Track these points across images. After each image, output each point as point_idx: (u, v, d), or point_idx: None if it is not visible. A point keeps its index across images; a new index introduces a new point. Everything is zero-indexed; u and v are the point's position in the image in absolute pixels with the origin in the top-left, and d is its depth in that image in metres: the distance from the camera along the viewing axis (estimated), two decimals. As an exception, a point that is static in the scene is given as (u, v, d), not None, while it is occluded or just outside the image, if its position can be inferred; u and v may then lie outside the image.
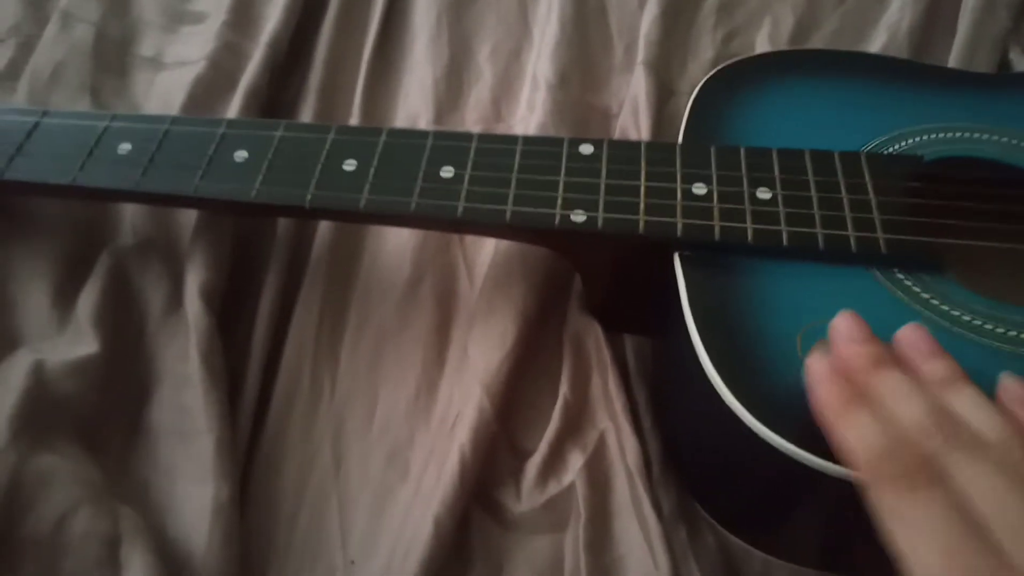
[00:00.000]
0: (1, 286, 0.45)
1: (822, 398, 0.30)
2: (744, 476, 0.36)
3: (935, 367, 0.30)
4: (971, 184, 0.40)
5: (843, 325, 0.32)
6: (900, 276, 0.36)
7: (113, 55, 0.59)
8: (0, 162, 0.43)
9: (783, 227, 0.37)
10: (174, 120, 0.44)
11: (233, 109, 0.53)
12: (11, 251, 0.47)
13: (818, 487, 0.31)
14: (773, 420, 0.31)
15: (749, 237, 0.37)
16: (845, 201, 0.38)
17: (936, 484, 0.25)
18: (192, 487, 0.38)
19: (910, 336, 0.31)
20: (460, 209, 0.39)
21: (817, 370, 0.31)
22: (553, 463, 0.40)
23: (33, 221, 0.49)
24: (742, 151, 0.40)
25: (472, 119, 0.56)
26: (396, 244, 0.49)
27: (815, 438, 0.30)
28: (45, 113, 0.45)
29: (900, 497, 0.26)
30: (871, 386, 0.29)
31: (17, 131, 0.44)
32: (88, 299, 0.44)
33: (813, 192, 0.39)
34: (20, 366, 0.40)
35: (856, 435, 0.28)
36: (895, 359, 0.30)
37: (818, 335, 0.33)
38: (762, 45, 0.60)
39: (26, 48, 0.58)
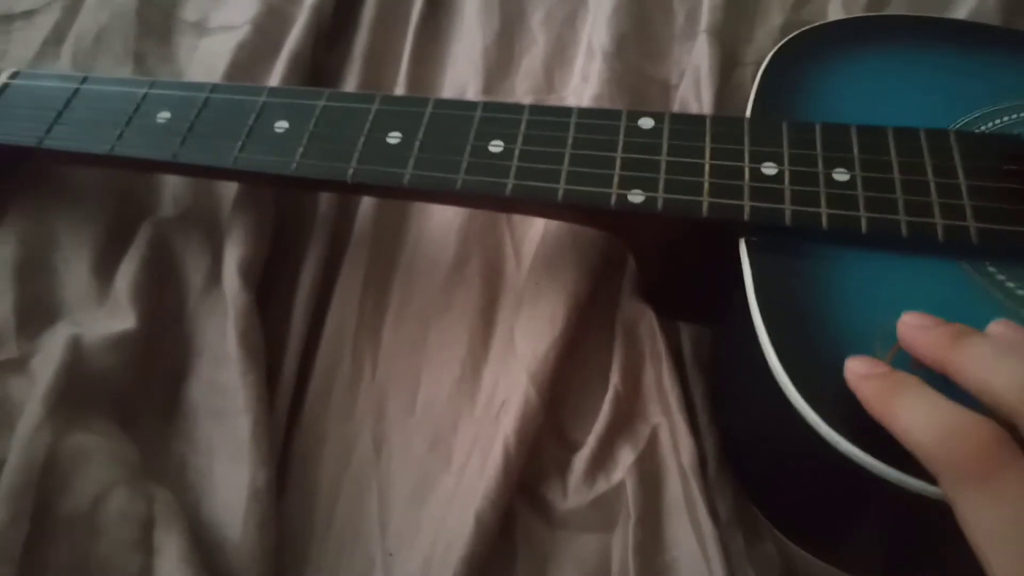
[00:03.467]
0: (43, 256, 0.45)
1: (868, 398, 0.27)
2: (808, 481, 0.34)
3: None
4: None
5: (911, 317, 0.29)
6: (992, 270, 0.33)
7: (157, 19, 0.57)
8: (39, 130, 0.42)
9: (862, 212, 0.34)
10: (214, 88, 0.43)
11: (276, 75, 0.51)
12: (52, 220, 0.46)
13: (888, 497, 0.29)
14: (841, 422, 0.29)
15: (824, 223, 0.34)
16: (932, 185, 0.35)
17: (1019, 465, 0.22)
18: (229, 469, 0.37)
19: (1003, 330, 0.28)
20: (509, 187, 0.37)
21: (855, 371, 0.28)
22: (602, 458, 0.38)
23: (75, 190, 0.48)
24: (817, 128, 0.37)
25: (523, 89, 0.53)
26: (441, 221, 0.47)
27: (890, 444, 0.27)
28: (85, 79, 0.44)
29: (972, 490, 0.23)
30: (954, 359, 0.26)
31: (57, 98, 0.43)
32: (127, 272, 0.43)
33: (896, 174, 0.35)
34: (59, 340, 0.39)
35: (910, 422, 0.25)
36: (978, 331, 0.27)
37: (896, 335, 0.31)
38: (835, 11, 0.55)
39: (71, 12, 0.57)
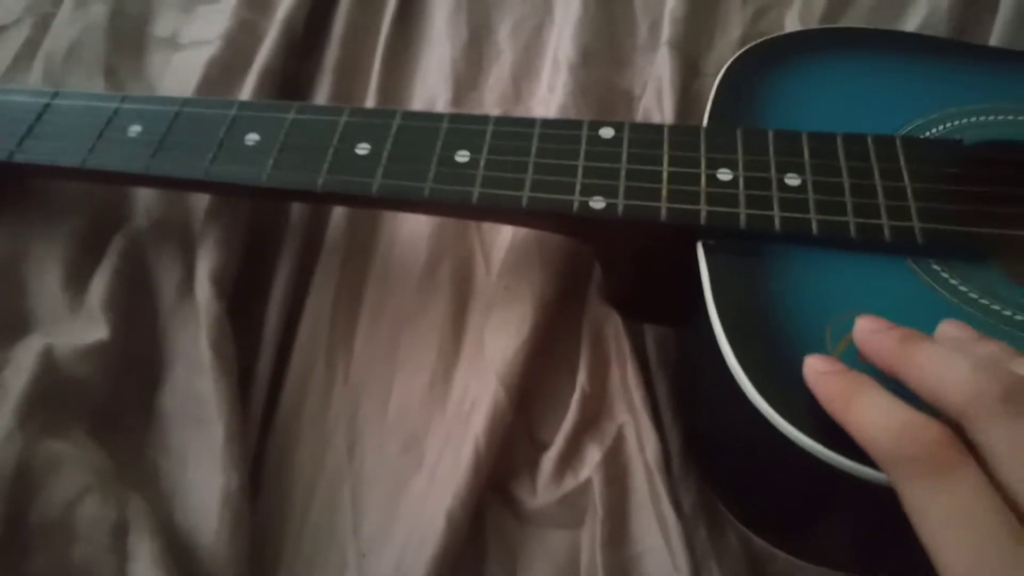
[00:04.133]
0: (13, 268, 0.45)
1: (825, 395, 0.28)
2: (768, 474, 0.35)
3: (986, 348, 0.28)
4: (1015, 169, 0.38)
5: (865, 321, 0.30)
6: (936, 268, 0.34)
7: (129, 35, 0.58)
8: (10, 144, 0.42)
9: (812, 215, 0.36)
10: (185, 102, 0.43)
11: (248, 89, 0.52)
12: (24, 233, 0.46)
13: (846, 488, 0.30)
14: (799, 417, 0.30)
15: (776, 225, 0.35)
16: (879, 188, 0.36)
17: (965, 463, 0.23)
18: (202, 474, 0.38)
19: (951, 330, 0.29)
20: (475, 195, 0.38)
21: (814, 367, 0.29)
22: (570, 457, 0.39)
23: (46, 203, 0.48)
24: (770, 134, 0.39)
25: (492, 100, 0.55)
26: (412, 229, 0.48)
27: (844, 437, 0.28)
28: (56, 94, 0.44)
29: (926, 484, 0.24)
30: (904, 361, 0.27)
31: (28, 112, 0.43)
32: (100, 283, 0.44)
33: (845, 178, 0.37)
34: (30, 351, 0.39)
35: (866, 419, 0.26)
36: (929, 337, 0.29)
37: (848, 327, 0.32)
38: (792, 23, 0.57)
39: (41, 27, 0.57)
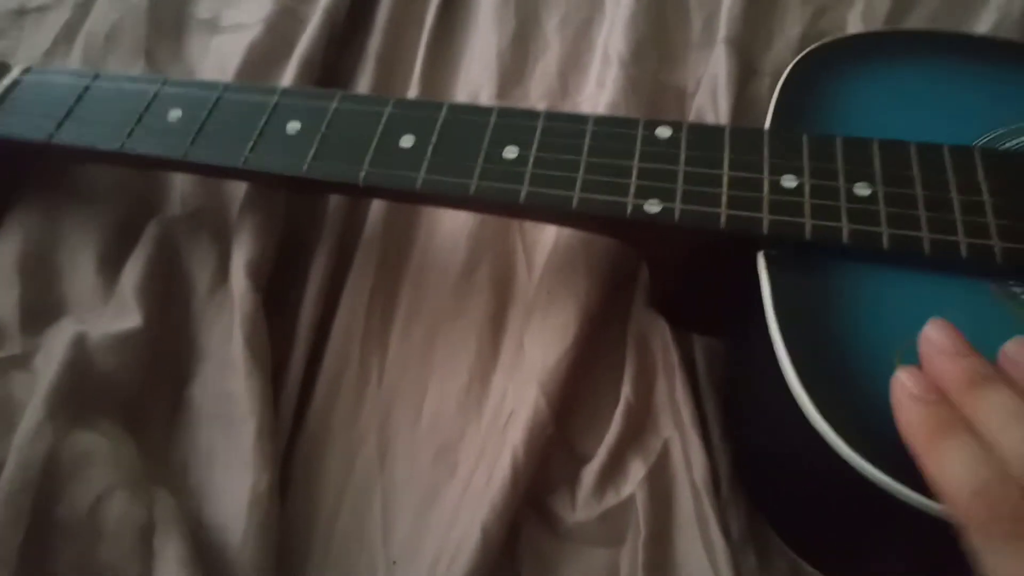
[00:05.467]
0: (48, 251, 0.44)
1: (910, 422, 0.26)
2: (825, 501, 0.33)
3: None
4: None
5: (936, 335, 0.28)
6: (1017, 290, 0.32)
7: (169, 17, 0.57)
8: (49, 126, 0.41)
9: (884, 228, 0.33)
10: (227, 87, 0.42)
11: (289, 76, 0.50)
12: (59, 217, 0.46)
13: (909, 520, 0.28)
14: (862, 444, 0.28)
15: (845, 237, 0.33)
16: (955, 202, 0.34)
17: None
18: (231, 474, 0.37)
19: (1016, 353, 0.27)
20: (523, 193, 0.36)
21: (904, 388, 0.27)
22: (612, 472, 0.38)
23: (82, 186, 0.47)
24: (838, 141, 0.36)
25: (537, 93, 0.53)
26: (452, 226, 0.46)
27: (909, 466, 0.26)
28: (96, 76, 0.44)
29: (998, 545, 0.23)
30: (969, 407, 0.26)
31: (68, 95, 0.43)
32: (133, 270, 0.43)
33: (919, 190, 0.34)
34: (62, 337, 0.38)
35: (950, 469, 0.24)
36: (1000, 377, 0.26)
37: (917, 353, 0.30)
38: (855, 23, 0.55)
39: (83, 8, 0.57)
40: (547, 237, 0.45)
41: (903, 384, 0.27)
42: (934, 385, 0.27)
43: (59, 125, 0.41)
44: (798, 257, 0.34)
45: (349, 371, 0.42)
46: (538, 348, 0.40)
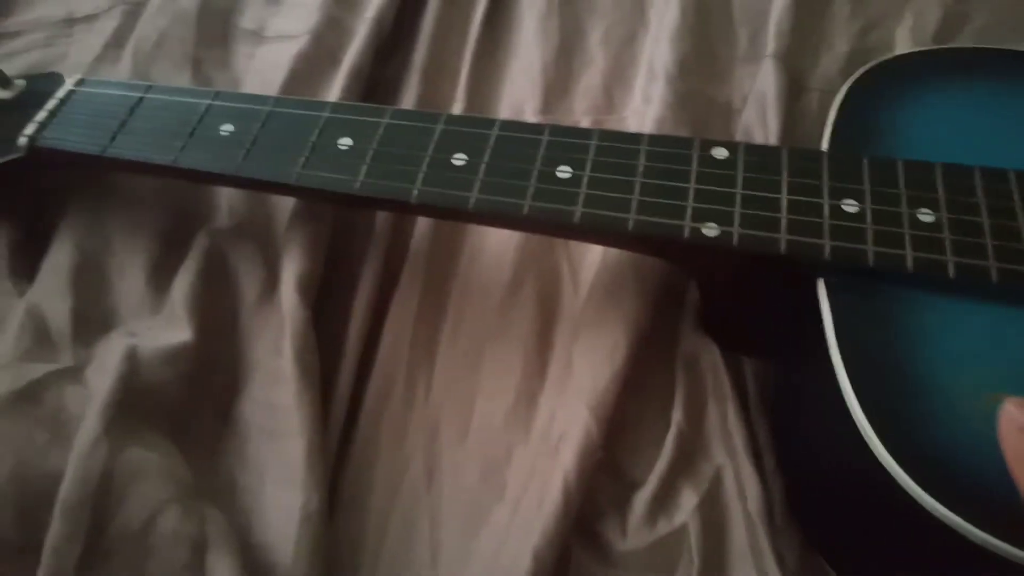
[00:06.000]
0: (97, 263, 0.45)
1: (1021, 454, 0.26)
2: (884, 536, 0.32)
3: None
4: None
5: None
6: (1088, 323, 0.31)
7: (216, 26, 0.57)
8: (103, 139, 0.42)
9: (949, 256, 0.33)
10: (277, 101, 0.42)
11: (335, 88, 0.50)
12: (110, 226, 0.46)
13: (980, 562, 0.27)
14: (931, 481, 0.28)
15: (909, 265, 0.33)
16: (1023, 230, 0.33)
17: None
18: (281, 491, 0.37)
19: None
20: (578, 215, 0.36)
21: (1017, 420, 0.27)
22: (664, 499, 0.37)
23: (131, 198, 0.48)
24: (899, 164, 0.36)
25: (582, 108, 0.53)
26: (497, 242, 0.46)
27: (983, 507, 0.26)
28: (149, 88, 0.44)
29: None
30: None
31: (121, 107, 0.43)
32: (183, 282, 0.43)
33: (985, 217, 0.34)
34: (115, 350, 0.39)
35: None
36: None
37: (986, 387, 0.29)
38: (903, 39, 0.54)
39: (131, 17, 0.57)
40: (594, 255, 0.45)
41: (1012, 415, 0.27)
42: None
43: (113, 138, 0.42)
44: (860, 284, 0.33)
45: (396, 388, 0.41)
46: (587, 369, 0.40)
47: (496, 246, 0.46)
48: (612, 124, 0.52)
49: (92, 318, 0.42)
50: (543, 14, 0.56)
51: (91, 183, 0.47)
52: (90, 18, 0.57)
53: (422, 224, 0.47)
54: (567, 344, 0.42)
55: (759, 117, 0.49)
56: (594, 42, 0.56)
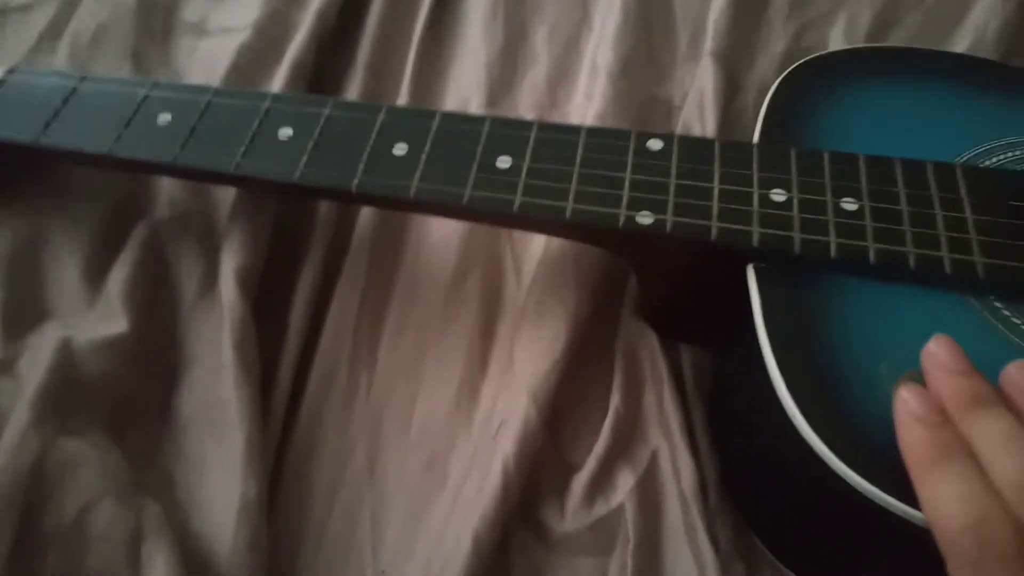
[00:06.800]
0: (32, 255, 0.44)
1: (911, 443, 0.27)
2: (813, 512, 0.34)
3: None
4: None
5: (940, 351, 0.28)
6: (998, 305, 0.33)
7: (156, 19, 0.57)
8: (36, 127, 0.41)
9: (870, 243, 0.34)
10: (217, 92, 0.42)
11: (278, 82, 0.50)
12: (44, 219, 0.45)
13: (897, 531, 0.28)
14: (852, 456, 0.29)
15: (832, 252, 0.34)
16: (939, 218, 0.35)
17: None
18: (219, 483, 0.36)
19: (1018, 377, 0.28)
20: (517, 203, 0.36)
21: (909, 407, 0.27)
22: (601, 481, 0.38)
23: (68, 188, 0.47)
24: (826, 156, 0.37)
25: (526, 104, 0.53)
26: (441, 234, 0.46)
27: (900, 479, 0.27)
28: (84, 78, 0.43)
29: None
30: (968, 428, 0.26)
31: (55, 95, 0.42)
32: (120, 274, 0.42)
33: (904, 206, 0.35)
34: (47, 342, 0.38)
35: (944, 499, 0.24)
36: (1001, 401, 0.27)
37: (905, 364, 0.30)
38: (836, 41, 0.56)
39: (68, 8, 0.56)
40: (536, 247, 0.46)
41: (906, 402, 0.27)
42: (937, 405, 0.27)
43: (46, 126, 0.41)
44: (787, 270, 0.34)
45: (338, 380, 0.41)
46: (528, 358, 0.40)
47: (440, 238, 0.47)
48: (555, 119, 0.52)
49: (25, 311, 0.41)
50: (488, 13, 0.56)
51: (27, 174, 0.46)
52: (24, 8, 0.56)
53: (365, 216, 0.47)
54: (509, 335, 0.43)
55: (698, 114, 0.51)
56: (539, 41, 0.56)
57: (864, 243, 0.34)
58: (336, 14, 0.55)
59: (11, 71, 0.44)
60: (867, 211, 0.35)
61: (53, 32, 0.55)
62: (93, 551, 0.33)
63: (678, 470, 0.37)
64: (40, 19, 0.55)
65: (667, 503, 0.37)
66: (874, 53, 0.47)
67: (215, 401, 0.38)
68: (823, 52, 0.45)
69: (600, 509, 0.37)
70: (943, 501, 0.24)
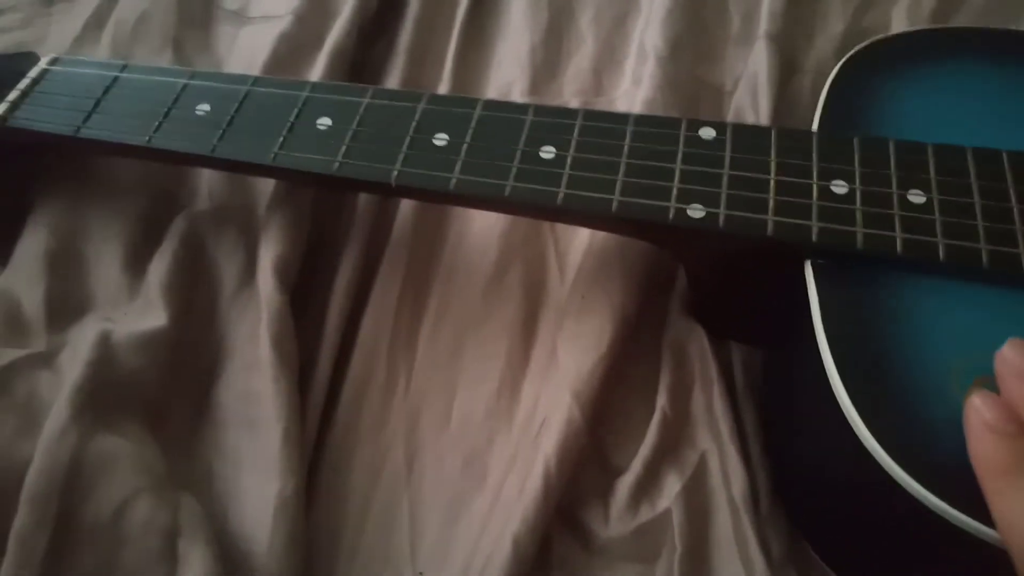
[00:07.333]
0: (73, 247, 0.44)
1: (983, 454, 0.25)
2: (872, 523, 0.32)
3: None
4: None
5: (1016, 356, 0.26)
6: (1081, 307, 0.30)
7: (197, 6, 0.56)
8: (76, 119, 0.41)
9: (939, 238, 0.32)
10: (256, 81, 0.41)
11: (318, 69, 0.49)
12: (85, 210, 0.45)
13: (967, 547, 0.27)
14: (918, 467, 0.27)
15: (898, 248, 0.32)
16: (1015, 212, 0.32)
17: None
18: (257, 479, 0.36)
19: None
20: (561, 196, 0.35)
21: (981, 416, 0.25)
22: (647, 485, 0.36)
23: (108, 179, 0.47)
24: (891, 144, 0.35)
25: (571, 90, 0.52)
26: (482, 227, 0.45)
27: (970, 493, 0.25)
28: (124, 67, 0.43)
29: None
30: None
31: (96, 86, 0.42)
32: (160, 266, 0.42)
33: (976, 199, 0.33)
34: (88, 336, 0.38)
35: (1019, 514, 0.23)
36: None
37: (977, 369, 0.28)
38: (899, 19, 0.53)
39: (111, -3, 0.56)
40: (580, 239, 0.44)
41: (978, 410, 0.25)
42: (1013, 414, 0.25)
43: (86, 118, 0.41)
44: (848, 267, 0.32)
45: (376, 375, 0.41)
46: (571, 355, 0.39)
47: (481, 231, 0.45)
48: (601, 106, 0.51)
49: (66, 303, 0.41)
50: (532, -5, 0.55)
51: (68, 165, 0.46)
52: (69, -2, 0.56)
53: (405, 207, 0.46)
54: (552, 331, 0.41)
55: (751, 99, 0.49)
56: (584, 24, 0.54)
57: (933, 239, 0.32)
58: (377, 1, 0.54)
59: (54, 61, 0.44)
60: (936, 204, 0.33)
61: (97, 21, 0.55)
62: (129, 546, 0.32)
63: (728, 475, 0.36)
64: (85, 8, 0.56)
65: (716, 510, 0.35)
66: (942, 35, 0.44)
67: (252, 396, 0.38)
68: (888, 34, 0.42)
69: (645, 514, 0.36)
70: (1019, 516, 0.23)
